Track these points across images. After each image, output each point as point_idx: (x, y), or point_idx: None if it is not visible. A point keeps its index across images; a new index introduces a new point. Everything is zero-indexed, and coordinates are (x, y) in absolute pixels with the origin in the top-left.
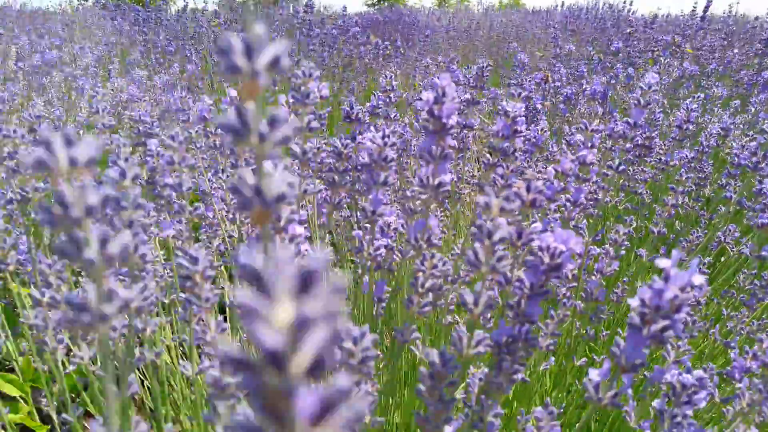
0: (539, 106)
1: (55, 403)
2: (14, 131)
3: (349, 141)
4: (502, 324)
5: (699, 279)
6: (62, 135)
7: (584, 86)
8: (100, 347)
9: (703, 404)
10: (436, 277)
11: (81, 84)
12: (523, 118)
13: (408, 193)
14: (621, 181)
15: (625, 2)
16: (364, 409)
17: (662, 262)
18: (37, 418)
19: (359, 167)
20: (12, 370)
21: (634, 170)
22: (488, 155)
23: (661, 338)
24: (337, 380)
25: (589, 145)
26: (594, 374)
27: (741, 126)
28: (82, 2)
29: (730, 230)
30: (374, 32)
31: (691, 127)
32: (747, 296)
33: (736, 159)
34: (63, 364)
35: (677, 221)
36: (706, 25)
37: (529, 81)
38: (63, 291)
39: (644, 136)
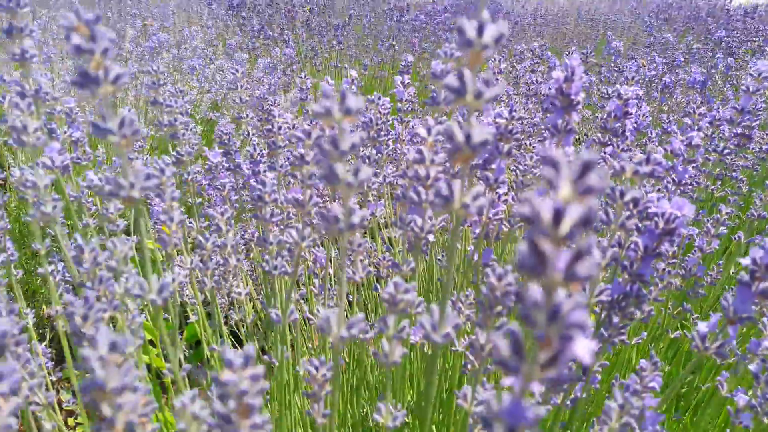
0: (639, 92)
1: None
2: (175, 101)
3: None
4: (616, 282)
5: None
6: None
7: (681, 75)
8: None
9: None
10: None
11: (192, 64)
12: (635, 101)
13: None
14: (718, 170)
15: None
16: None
17: None
18: (163, 359)
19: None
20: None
21: (732, 159)
22: (599, 135)
23: None
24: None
25: (696, 128)
26: (702, 326)
27: None
28: None
29: None
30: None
31: None
32: None
33: None
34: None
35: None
36: None
37: (628, 67)
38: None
39: (744, 125)
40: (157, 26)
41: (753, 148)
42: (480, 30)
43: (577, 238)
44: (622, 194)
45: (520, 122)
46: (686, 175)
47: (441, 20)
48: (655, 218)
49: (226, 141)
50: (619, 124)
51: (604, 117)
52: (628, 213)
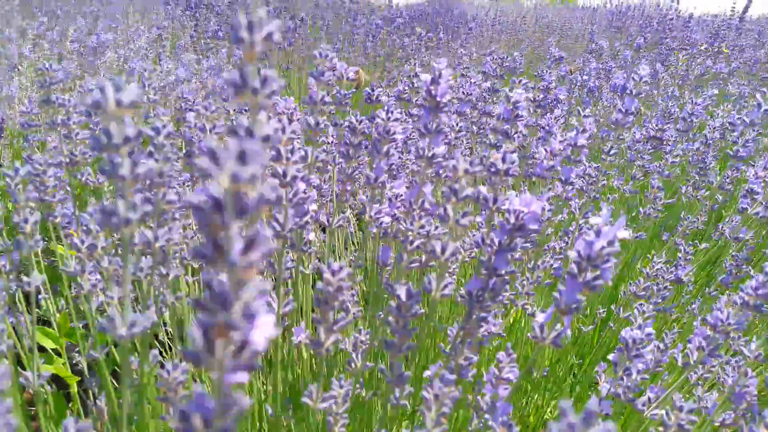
0: (561, 97)
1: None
2: (69, 100)
3: (363, 118)
4: (475, 277)
5: (624, 233)
6: (113, 82)
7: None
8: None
9: (649, 357)
10: (423, 237)
11: (132, 66)
12: (524, 104)
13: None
14: (633, 171)
15: (672, 1)
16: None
17: (594, 219)
18: (69, 369)
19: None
20: (49, 324)
21: (644, 162)
22: (490, 137)
23: (593, 285)
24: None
25: (581, 129)
26: (539, 317)
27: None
28: None
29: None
30: (420, 24)
31: (695, 120)
32: (723, 274)
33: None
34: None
35: (683, 210)
36: (742, 26)
37: (549, 73)
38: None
39: (656, 128)
40: (102, 26)
41: (664, 151)
42: (251, 29)
43: (250, 226)
44: (456, 193)
45: (397, 122)
46: (570, 175)
47: (397, 25)
48: (506, 215)
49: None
50: (508, 126)
51: (494, 120)
52: (464, 210)
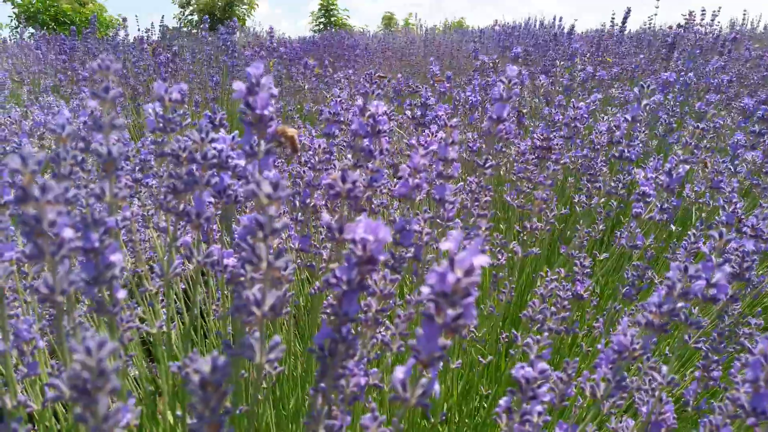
0: (440, 113)
1: None
2: None
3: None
4: (324, 326)
5: (482, 259)
6: None
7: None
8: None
9: (547, 398)
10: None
11: None
12: (386, 118)
13: (235, 193)
14: (524, 185)
15: (554, 19)
16: None
17: (445, 245)
18: None
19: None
20: None
21: (533, 173)
22: (349, 155)
23: (455, 327)
24: None
25: (450, 141)
26: (399, 371)
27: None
28: (16, 35)
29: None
30: (311, 55)
31: (578, 125)
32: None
33: (624, 153)
34: None
35: (580, 219)
36: (623, 36)
37: (426, 89)
38: None
39: (543, 137)
40: None
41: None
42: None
43: None
44: (262, 226)
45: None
46: (445, 192)
47: (280, 55)
48: (351, 246)
49: None
50: (368, 142)
51: (350, 136)
52: (278, 249)
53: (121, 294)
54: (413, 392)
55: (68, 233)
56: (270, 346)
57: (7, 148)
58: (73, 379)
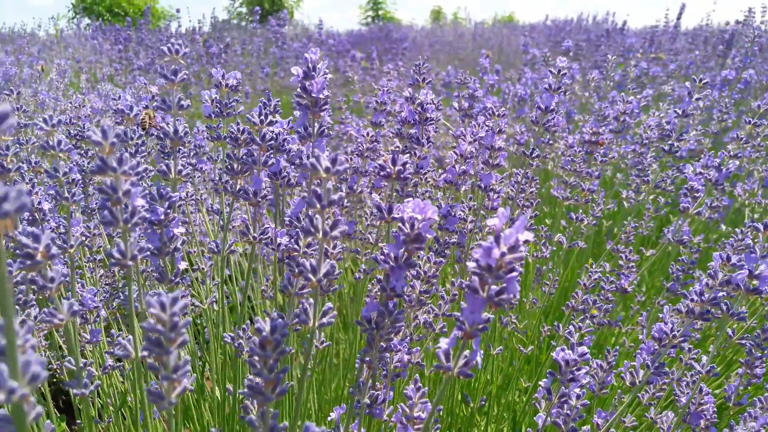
0: (488, 105)
1: None
2: None
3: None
4: (371, 300)
5: (527, 235)
6: None
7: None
8: None
9: (586, 380)
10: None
11: (42, 98)
12: (433, 106)
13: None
14: (571, 178)
15: (607, 14)
16: None
17: (491, 221)
18: None
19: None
20: None
21: (580, 166)
22: (397, 142)
23: (499, 301)
24: None
25: (497, 129)
26: (443, 342)
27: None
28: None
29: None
30: (359, 47)
31: (628, 119)
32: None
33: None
34: None
35: (628, 217)
36: (677, 32)
37: (475, 81)
38: None
39: (592, 131)
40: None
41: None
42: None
43: None
44: (320, 198)
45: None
46: (491, 181)
47: (329, 47)
48: (400, 224)
49: None
50: (416, 130)
51: (398, 124)
52: (334, 219)
53: (183, 265)
54: (456, 362)
55: (140, 202)
56: (323, 311)
57: (72, 131)
58: (149, 331)
